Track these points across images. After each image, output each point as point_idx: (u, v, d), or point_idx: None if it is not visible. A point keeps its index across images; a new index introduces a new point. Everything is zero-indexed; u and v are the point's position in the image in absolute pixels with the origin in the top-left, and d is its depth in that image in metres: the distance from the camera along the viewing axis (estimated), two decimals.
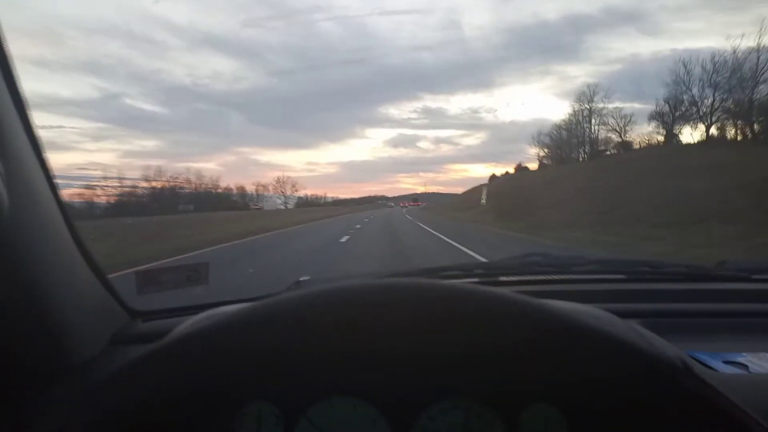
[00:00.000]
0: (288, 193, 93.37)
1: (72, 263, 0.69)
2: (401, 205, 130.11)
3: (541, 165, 56.94)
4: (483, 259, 7.30)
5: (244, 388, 0.48)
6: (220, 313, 0.44)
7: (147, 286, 0.87)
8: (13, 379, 0.59)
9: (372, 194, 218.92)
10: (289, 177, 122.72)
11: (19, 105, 0.59)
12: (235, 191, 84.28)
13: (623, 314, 0.57)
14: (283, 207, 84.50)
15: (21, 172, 0.57)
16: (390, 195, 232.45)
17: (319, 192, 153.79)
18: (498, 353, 0.44)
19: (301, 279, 1.11)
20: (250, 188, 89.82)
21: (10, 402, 0.58)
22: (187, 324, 0.44)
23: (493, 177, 79.11)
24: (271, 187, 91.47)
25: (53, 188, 0.67)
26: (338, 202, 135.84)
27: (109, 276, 0.77)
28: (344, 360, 0.47)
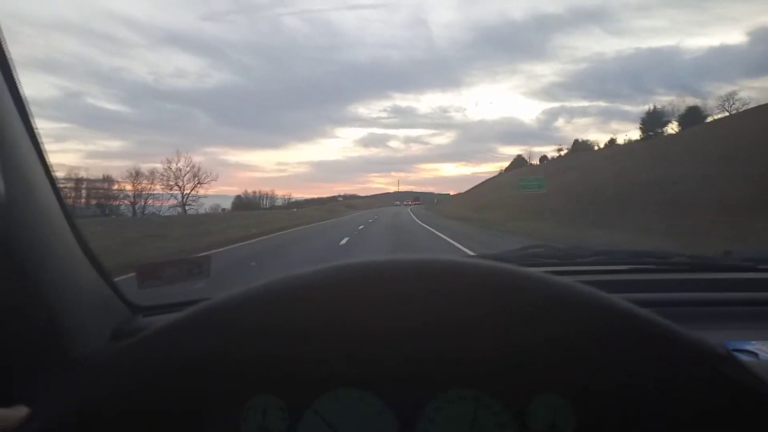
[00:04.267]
0: (191, 189, 46.64)
1: (72, 258, 0.68)
2: (404, 203, 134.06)
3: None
4: None
5: (247, 382, 0.46)
6: (215, 301, 0.41)
7: (148, 281, 0.84)
8: (14, 375, 0.58)
9: (344, 193, 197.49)
10: (192, 161, 58.54)
11: (18, 99, 0.59)
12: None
13: None
14: (180, 210, 44.65)
15: (19, 166, 0.57)
16: (362, 194, 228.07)
17: (264, 188, 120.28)
18: (529, 346, 0.43)
19: None
20: (123, 178, 44.89)
21: (11, 397, 0.56)
22: (176, 315, 0.41)
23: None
24: (158, 182, 45.53)
25: (53, 183, 0.66)
26: (294, 204, 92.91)
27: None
28: (348, 351, 0.45)
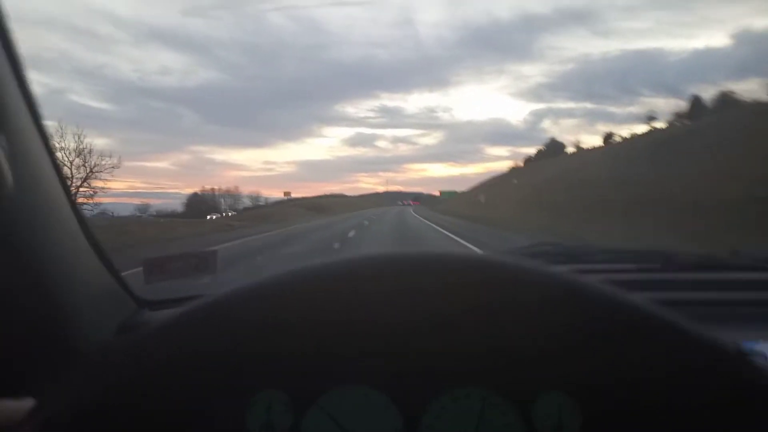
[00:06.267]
0: (81, 182, 19.78)
1: (78, 251, 0.67)
2: (404, 203, 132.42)
3: None
4: None
5: (252, 376, 0.46)
6: (220, 295, 0.41)
7: (154, 275, 0.84)
8: (21, 367, 0.57)
9: (331, 193, 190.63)
10: (84, 142, 19.99)
11: (24, 89, 0.58)
12: None
13: None
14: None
15: (26, 155, 0.56)
16: (350, 194, 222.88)
17: (224, 186, 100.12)
18: (537, 342, 0.42)
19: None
20: None
21: (18, 390, 0.56)
22: (181, 309, 0.40)
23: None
24: None
25: (59, 173, 0.65)
26: (272, 204, 77.46)
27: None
28: (355, 346, 0.45)
